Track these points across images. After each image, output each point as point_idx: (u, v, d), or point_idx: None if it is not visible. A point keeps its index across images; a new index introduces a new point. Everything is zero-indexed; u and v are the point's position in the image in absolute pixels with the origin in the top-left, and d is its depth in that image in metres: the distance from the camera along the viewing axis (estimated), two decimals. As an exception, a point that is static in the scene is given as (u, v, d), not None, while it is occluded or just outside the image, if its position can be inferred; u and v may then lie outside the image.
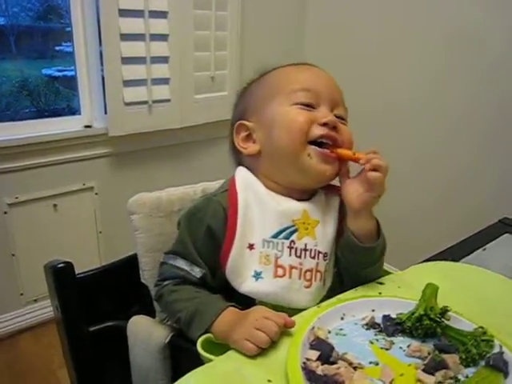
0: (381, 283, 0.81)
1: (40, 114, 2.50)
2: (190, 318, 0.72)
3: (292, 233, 0.76)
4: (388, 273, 0.86)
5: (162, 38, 1.87)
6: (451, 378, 0.60)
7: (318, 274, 0.77)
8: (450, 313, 0.69)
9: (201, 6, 1.93)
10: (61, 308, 0.80)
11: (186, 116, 1.99)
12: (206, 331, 0.69)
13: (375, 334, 0.68)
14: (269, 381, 0.59)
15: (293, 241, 0.76)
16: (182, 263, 0.77)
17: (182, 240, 0.78)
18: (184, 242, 0.78)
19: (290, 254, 0.76)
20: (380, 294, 0.77)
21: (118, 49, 1.77)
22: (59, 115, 2.08)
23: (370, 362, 0.62)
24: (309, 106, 0.78)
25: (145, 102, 1.91)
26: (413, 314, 0.68)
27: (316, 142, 0.77)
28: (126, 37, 1.78)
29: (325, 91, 0.79)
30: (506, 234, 1.05)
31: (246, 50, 2.14)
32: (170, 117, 1.96)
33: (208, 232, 0.76)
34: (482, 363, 0.62)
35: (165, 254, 0.80)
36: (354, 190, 0.76)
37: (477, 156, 1.85)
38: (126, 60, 1.81)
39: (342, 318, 0.71)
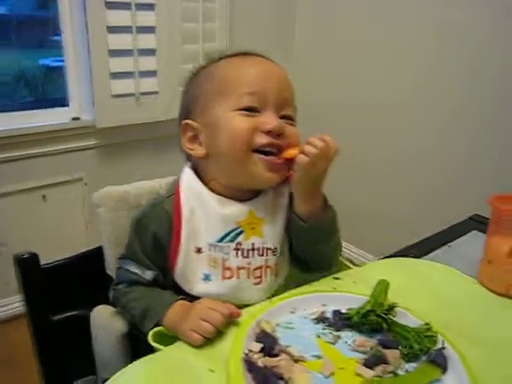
0: (337, 278, 0.83)
1: (37, 104, 2.52)
2: (142, 315, 0.74)
3: (238, 235, 0.77)
4: (348, 268, 0.88)
5: (150, 30, 1.88)
6: (390, 373, 0.61)
7: (269, 270, 0.78)
8: (398, 309, 0.70)
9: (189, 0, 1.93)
10: (25, 297, 0.82)
11: (173, 108, 1.99)
12: (158, 325, 0.71)
13: (323, 328, 0.70)
14: (211, 370, 0.61)
15: (239, 242, 0.76)
16: (133, 267, 0.79)
17: (131, 245, 0.80)
18: (133, 248, 0.79)
19: (237, 256, 0.76)
20: (334, 289, 0.79)
21: (105, 41, 1.78)
22: (56, 105, 2.10)
23: (313, 356, 0.64)
24: (253, 111, 0.75)
25: (132, 95, 1.92)
26: (361, 309, 0.69)
27: (261, 150, 0.75)
28: (113, 29, 1.79)
29: (272, 93, 0.76)
30: (473, 231, 1.05)
31: (236, 41, 2.14)
32: (158, 109, 1.97)
33: (154, 238, 0.78)
34: (424, 359, 0.64)
35: (118, 258, 0.83)
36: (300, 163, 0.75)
37: (470, 151, 1.85)
38: (114, 52, 1.82)
39: (293, 312, 0.73)
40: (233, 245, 0.76)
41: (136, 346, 0.80)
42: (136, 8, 1.81)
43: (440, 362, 0.62)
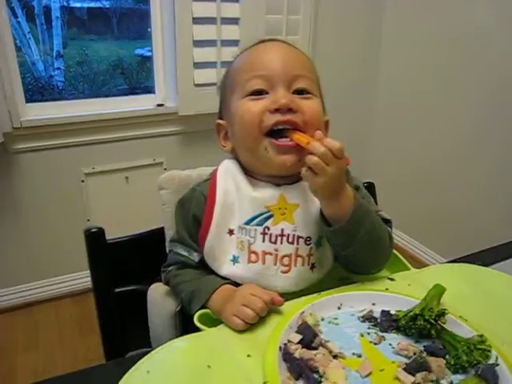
0: (391, 279, 0.79)
1: (131, 91, 2.68)
2: (189, 297, 0.77)
3: (266, 219, 0.76)
4: (406, 268, 0.84)
5: (234, 21, 1.91)
6: (432, 381, 0.58)
7: (300, 259, 0.76)
8: (450, 316, 0.66)
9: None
10: (91, 269, 0.88)
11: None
12: (203, 307, 0.74)
13: (368, 328, 0.68)
14: (248, 355, 0.62)
15: (267, 227, 0.76)
16: (181, 250, 0.82)
17: (178, 229, 0.84)
18: (179, 231, 0.83)
19: (264, 240, 0.76)
20: (386, 289, 0.76)
21: (191, 32, 1.85)
22: (145, 93, 2.22)
23: (353, 354, 0.63)
24: (262, 93, 0.75)
25: (214, 84, 1.96)
26: (409, 312, 0.66)
27: (274, 131, 0.74)
28: (198, 20, 1.84)
29: (279, 70, 0.75)
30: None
31: (319, 35, 2.11)
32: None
33: (194, 220, 0.80)
34: (472, 372, 0.60)
35: (169, 241, 0.87)
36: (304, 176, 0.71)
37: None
38: (198, 43, 1.88)
39: (339, 308, 0.72)
40: (260, 228, 0.76)
41: (187, 324, 0.83)
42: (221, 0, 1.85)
43: (489, 379, 0.58)
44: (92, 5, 2.68)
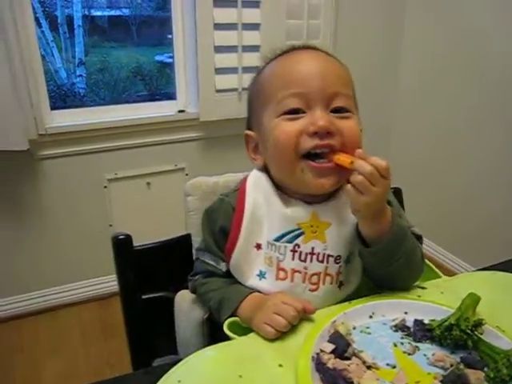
0: (423, 288, 0.78)
1: (151, 97, 2.71)
2: (218, 306, 0.76)
3: (297, 236, 0.74)
4: (437, 276, 0.83)
5: (254, 27, 1.92)
6: (471, 394, 0.57)
7: (328, 278, 0.75)
8: (487, 327, 0.64)
9: (294, -5, 1.94)
10: (118, 275, 0.88)
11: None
12: (233, 315, 0.73)
13: (402, 337, 0.67)
14: (280, 365, 0.61)
15: (297, 244, 0.74)
16: (208, 259, 0.81)
17: (205, 238, 0.82)
18: (206, 241, 0.81)
19: (293, 258, 0.74)
20: (419, 297, 0.74)
21: (212, 38, 1.86)
22: (165, 99, 2.24)
23: (387, 364, 0.61)
24: (298, 112, 0.71)
25: (235, 90, 1.97)
26: (444, 322, 0.65)
27: (311, 154, 0.71)
28: (219, 26, 1.85)
29: (316, 88, 0.71)
30: None
31: (340, 39, 2.10)
32: (259, 104, 2.00)
33: (222, 231, 0.78)
34: (513, 385, 0.58)
35: (196, 249, 0.86)
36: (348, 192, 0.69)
37: None
38: (219, 49, 1.89)
39: (371, 317, 0.70)
40: (290, 246, 0.74)
41: (215, 332, 0.83)
42: (242, 5, 1.85)
43: (531, 392, 0.56)
44: (112, 13, 2.73)
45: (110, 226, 2.05)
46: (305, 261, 0.74)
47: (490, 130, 1.96)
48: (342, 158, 0.69)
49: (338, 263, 0.75)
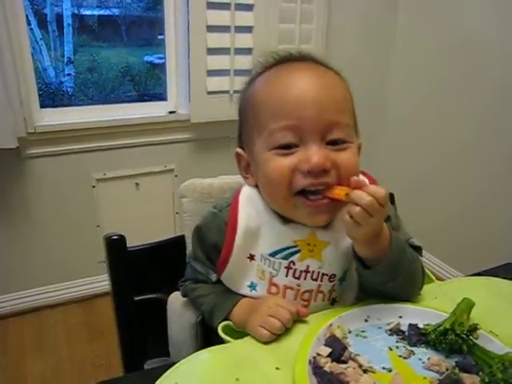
0: (417, 292, 0.78)
1: (139, 97, 2.69)
2: (210, 310, 0.76)
3: (292, 254, 0.72)
4: (430, 281, 0.83)
5: (247, 30, 1.92)
6: (466, 398, 0.57)
7: (320, 295, 0.74)
8: (481, 332, 0.65)
9: (287, 0, 1.95)
10: (111, 276, 0.87)
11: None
12: (225, 319, 0.73)
13: (397, 341, 0.67)
14: (277, 368, 0.61)
15: (292, 261, 0.72)
16: (199, 267, 0.80)
17: (194, 250, 0.81)
18: (196, 253, 0.80)
19: (287, 275, 0.72)
20: (409, 297, 0.75)
21: (204, 39, 1.85)
22: (155, 100, 2.23)
23: (383, 368, 0.62)
24: (291, 147, 0.67)
25: (226, 92, 1.97)
26: (439, 326, 0.65)
27: (305, 190, 0.68)
28: (212, 28, 1.85)
29: (310, 119, 0.66)
30: None
31: (332, 43, 2.12)
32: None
33: (214, 246, 0.77)
34: (508, 389, 0.59)
35: (188, 255, 0.85)
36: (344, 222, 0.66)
37: None
38: (211, 51, 1.89)
39: (367, 321, 0.71)
40: (285, 262, 0.72)
41: (208, 334, 0.82)
42: (235, 8, 1.86)
43: (526, 396, 0.57)
44: (102, 12, 2.71)
45: (98, 226, 2.03)
46: (298, 278, 0.73)
47: (488, 139, 1.96)
48: (337, 192, 0.66)
49: (332, 281, 0.74)
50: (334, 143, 0.68)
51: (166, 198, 2.13)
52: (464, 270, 2.02)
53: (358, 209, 0.63)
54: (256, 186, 0.77)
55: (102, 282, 2.07)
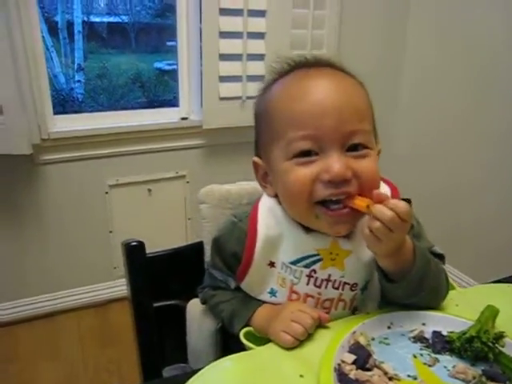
0: (438, 299, 0.78)
1: (149, 103, 2.71)
2: (230, 317, 0.76)
3: (314, 262, 0.71)
4: (452, 288, 0.83)
5: (259, 36, 1.92)
6: (494, 407, 0.57)
7: (341, 303, 0.74)
8: (507, 340, 0.64)
9: (299, 5, 1.95)
10: (130, 282, 0.87)
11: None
12: (246, 326, 0.73)
13: (421, 349, 0.66)
14: (301, 376, 0.61)
15: (314, 270, 0.71)
16: (219, 274, 0.80)
17: (213, 258, 0.81)
18: (215, 261, 0.80)
19: (308, 283, 0.72)
20: (433, 307, 0.74)
21: (217, 46, 1.86)
22: (165, 106, 2.24)
23: (408, 376, 0.61)
24: (310, 155, 0.66)
25: (239, 98, 1.98)
26: (464, 334, 0.65)
27: (326, 200, 0.66)
28: (224, 34, 1.86)
29: (330, 128, 0.64)
30: None
31: (344, 48, 2.12)
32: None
33: (233, 255, 0.76)
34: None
35: (207, 262, 0.85)
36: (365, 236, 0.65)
37: None
38: (224, 57, 1.89)
39: (389, 328, 0.70)
40: (306, 271, 0.72)
41: (227, 341, 0.82)
42: (248, 14, 1.86)
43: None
44: (111, 20, 2.74)
45: (110, 232, 2.04)
46: (320, 287, 0.72)
47: (506, 146, 1.94)
48: (358, 202, 0.65)
49: (353, 290, 0.74)
50: (354, 149, 0.67)
51: (178, 203, 2.13)
52: (479, 278, 2.01)
53: (378, 224, 0.61)
54: (275, 196, 0.76)
55: (115, 288, 2.08)
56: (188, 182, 2.11)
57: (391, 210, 0.61)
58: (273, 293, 0.75)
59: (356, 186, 0.66)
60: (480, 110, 2.00)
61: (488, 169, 2.00)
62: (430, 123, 2.27)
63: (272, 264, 0.74)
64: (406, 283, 0.67)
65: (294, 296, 0.74)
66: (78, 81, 2.64)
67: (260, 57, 1.96)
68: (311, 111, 0.66)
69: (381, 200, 0.63)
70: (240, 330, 0.72)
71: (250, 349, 0.68)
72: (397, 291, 0.70)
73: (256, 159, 0.76)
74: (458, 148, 2.13)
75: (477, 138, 2.03)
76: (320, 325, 0.69)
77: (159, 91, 2.79)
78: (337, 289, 0.73)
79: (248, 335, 0.71)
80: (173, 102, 2.23)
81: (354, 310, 0.76)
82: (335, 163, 0.64)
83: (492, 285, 0.85)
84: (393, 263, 0.67)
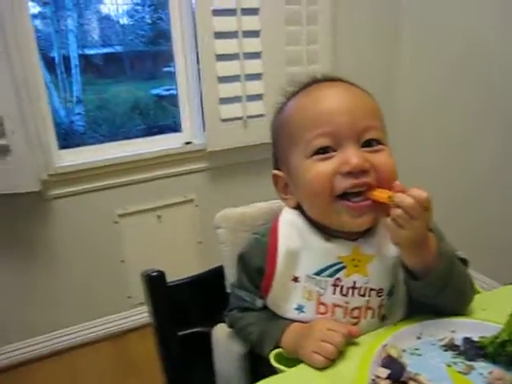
0: (464, 304, 0.77)
1: (149, 130, 2.73)
2: (259, 339, 0.75)
3: (338, 270, 0.72)
4: (476, 292, 0.82)
5: (256, 55, 1.95)
6: (535, 411, 0.56)
7: (369, 312, 0.73)
8: (539, 340, 0.64)
9: (292, 23, 1.98)
10: (153, 313, 0.87)
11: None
12: (276, 347, 0.72)
13: (453, 357, 0.66)
14: (336, 395, 0.60)
15: (338, 278, 0.72)
16: (245, 294, 0.80)
17: (239, 277, 0.81)
18: (241, 279, 0.80)
19: (335, 293, 0.72)
20: (458, 312, 0.74)
21: (215, 68, 1.88)
22: (165, 131, 2.26)
23: (445, 386, 0.61)
24: (328, 151, 0.69)
25: (240, 118, 2.00)
26: (496, 338, 0.64)
27: (347, 193, 0.69)
28: (221, 57, 1.88)
29: (345, 124, 0.69)
30: None
31: (339, 63, 2.14)
32: (265, 131, 2.00)
33: (258, 271, 0.77)
34: None
35: (231, 284, 0.85)
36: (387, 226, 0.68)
37: None
38: (222, 79, 1.92)
39: (419, 338, 0.70)
40: (331, 280, 0.72)
41: (256, 366, 0.81)
42: (243, 35, 1.89)
43: None
44: (106, 51, 2.77)
45: (122, 261, 2.04)
46: (346, 295, 0.72)
47: (507, 148, 1.95)
48: (379, 194, 0.67)
49: (380, 296, 0.73)
50: (369, 144, 0.70)
51: (188, 228, 2.13)
52: (498, 278, 1.99)
53: (399, 211, 0.64)
54: (296, 208, 0.77)
55: (131, 317, 2.07)
56: (197, 206, 2.12)
57: (411, 197, 0.63)
58: (300, 308, 0.75)
59: (375, 177, 0.68)
60: (481, 128, 2.01)
61: (491, 167, 2.00)
62: (428, 136, 2.28)
63: (296, 279, 0.74)
64: (432, 280, 0.68)
65: (322, 308, 0.73)
66: (78, 113, 2.66)
67: (258, 76, 1.98)
68: (326, 112, 0.71)
69: (402, 190, 0.65)
70: (270, 352, 0.71)
71: (281, 371, 0.67)
72: (422, 290, 0.70)
73: (275, 172, 0.79)
74: (460, 160, 2.14)
75: (477, 148, 2.04)
76: (350, 340, 0.69)
77: (158, 117, 2.81)
78: (363, 296, 0.73)
79: (278, 357, 0.70)
80: (172, 127, 2.25)
81: (383, 319, 0.75)
82: (353, 155, 0.68)
83: (515, 285, 0.85)
84: (418, 259, 0.68)
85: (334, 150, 0.70)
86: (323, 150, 0.70)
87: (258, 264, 0.77)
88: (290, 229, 0.76)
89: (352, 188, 0.68)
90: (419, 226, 0.64)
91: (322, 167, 0.69)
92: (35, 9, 2.06)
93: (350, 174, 0.67)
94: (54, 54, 2.55)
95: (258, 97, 2.00)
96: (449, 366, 0.64)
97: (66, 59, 2.55)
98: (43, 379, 1.87)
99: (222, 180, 2.14)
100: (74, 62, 2.61)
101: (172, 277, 0.95)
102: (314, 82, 0.78)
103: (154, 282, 0.87)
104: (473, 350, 0.66)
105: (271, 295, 0.76)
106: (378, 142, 0.71)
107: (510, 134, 1.91)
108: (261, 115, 2.00)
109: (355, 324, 0.73)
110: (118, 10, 2.58)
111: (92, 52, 2.76)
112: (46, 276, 1.93)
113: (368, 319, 0.74)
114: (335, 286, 0.72)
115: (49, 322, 1.97)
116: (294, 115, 0.75)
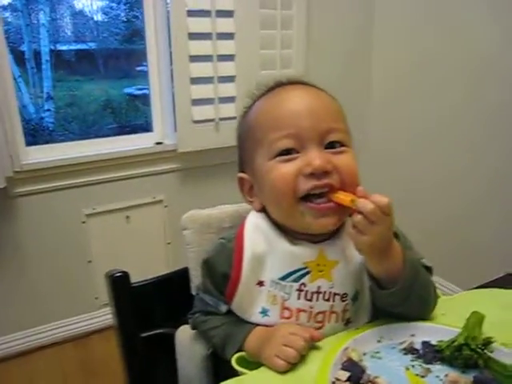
0: (424, 309, 0.79)
1: (121, 129, 2.69)
2: (222, 342, 0.75)
3: (303, 275, 0.72)
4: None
5: (229, 58, 1.95)
6: (488, 413, 0.58)
7: (334, 316, 0.74)
8: (495, 345, 0.66)
9: (267, 26, 1.99)
10: (116, 313, 0.86)
11: (251, 133, 2.05)
12: (238, 351, 0.72)
13: (412, 360, 0.67)
14: (297, 398, 0.60)
15: (303, 283, 0.72)
16: (209, 299, 0.79)
17: (204, 282, 0.81)
18: (206, 284, 0.80)
19: (299, 298, 0.73)
20: (422, 319, 0.75)
21: (188, 69, 1.87)
22: (137, 131, 2.23)
23: (403, 388, 0.62)
24: (292, 153, 0.70)
25: (212, 120, 1.99)
26: (453, 342, 0.66)
27: (309, 194, 0.69)
28: (194, 58, 1.88)
29: (308, 126, 0.69)
30: None
31: (312, 67, 2.16)
32: (236, 134, 2.02)
33: (223, 276, 0.77)
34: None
35: (197, 286, 0.85)
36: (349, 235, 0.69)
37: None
38: (195, 80, 1.91)
39: (379, 341, 0.71)
40: (296, 285, 0.72)
41: (219, 367, 0.81)
42: (217, 37, 1.89)
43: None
44: (79, 47, 2.72)
45: (89, 262, 2.00)
46: (311, 300, 0.73)
47: (478, 150, 1.98)
48: (342, 197, 0.68)
49: (344, 301, 0.74)
50: (332, 146, 0.71)
51: (156, 228, 2.11)
52: (460, 283, 2.04)
53: (359, 217, 0.65)
54: (261, 210, 0.77)
55: (96, 319, 2.03)
56: (166, 207, 2.10)
57: (373, 203, 0.64)
58: (264, 312, 0.75)
59: (337, 179, 0.69)
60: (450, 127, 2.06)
61: (461, 168, 2.05)
62: (400, 141, 2.32)
63: (261, 283, 0.74)
64: (397, 289, 0.69)
65: (287, 313, 0.73)
66: (48, 110, 2.61)
67: (231, 78, 1.98)
68: (290, 114, 0.71)
69: (364, 196, 0.66)
70: (232, 355, 0.71)
71: (243, 374, 0.67)
72: (388, 298, 0.71)
73: (241, 174, 0.80)
74: (427, 163, 2.18)
75: (444, 139, 2.09)
76: (312, 344, 0.69)
77: (130, 116, 2.78)
78: (327, 300, 0.73)
79: (240, 360, 0.70)
80: (144, 127, 2.23)
81: (348, 323, 0.76)
82: (316, 157, 0.68)
83: (474, 291, 0.87)
84: (383, 267, 0.69)
85: (298, 152, 0.70)
86: (286, 152, 0.70)
87: (223, 270, 0.77)
88: (256, 233, 0.76)
89: (314, 189, 0.69)
90: (380, 231, 0.65)
91: (285, 168, 0.70)
92: (5, 0, 2.01)
93: (312, 175, 0.68)
94: (25, 48, 2.49)
95: (231, 99, 2.00)
96: (407, 368, 0.65)
97: (37, 54, 2.50)
98: (4, 381, 1.82)
99: (192, 181, 2.12)
100: (45, 57, 2.55)
101: (140, 278, 0.94)
102: (278, 85, 0.78)
103: (118, 283, 0.86)
104: (431, 354, 0.67)
105: (236, 300, 0.76)
106: (342, 144, 0.72)
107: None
108: (233, 117, 2.00)
109: (319, 328, 0.73)
110: (92, 6, 2.53)
111: (64, 48, 2.71)
112: (10, 275, 1.88)
113: (332, 323, 0.74)
114: (300, 291, 0.73)
115: (9, 324, 1.92)
116: (258, 118, 0.76)
